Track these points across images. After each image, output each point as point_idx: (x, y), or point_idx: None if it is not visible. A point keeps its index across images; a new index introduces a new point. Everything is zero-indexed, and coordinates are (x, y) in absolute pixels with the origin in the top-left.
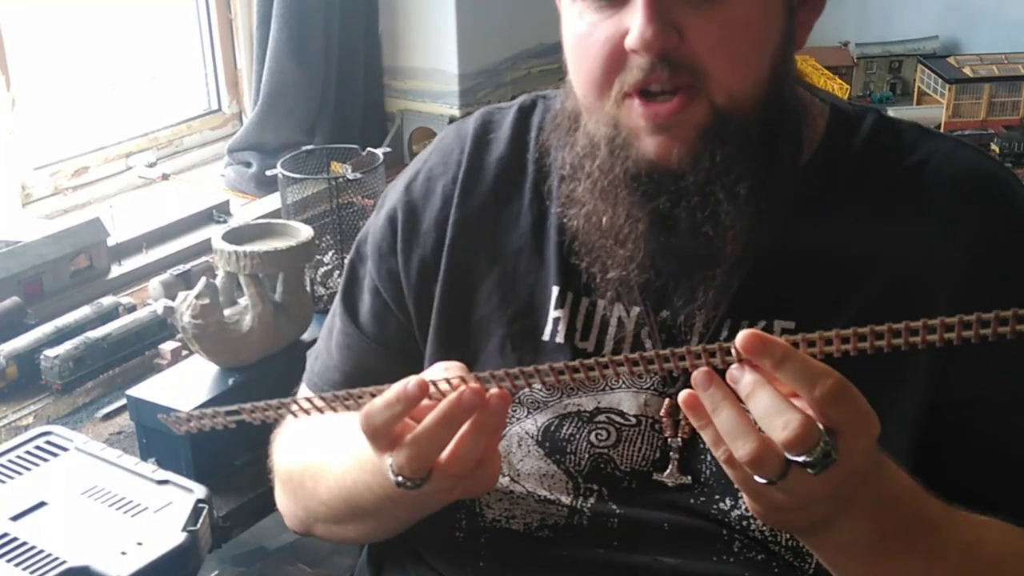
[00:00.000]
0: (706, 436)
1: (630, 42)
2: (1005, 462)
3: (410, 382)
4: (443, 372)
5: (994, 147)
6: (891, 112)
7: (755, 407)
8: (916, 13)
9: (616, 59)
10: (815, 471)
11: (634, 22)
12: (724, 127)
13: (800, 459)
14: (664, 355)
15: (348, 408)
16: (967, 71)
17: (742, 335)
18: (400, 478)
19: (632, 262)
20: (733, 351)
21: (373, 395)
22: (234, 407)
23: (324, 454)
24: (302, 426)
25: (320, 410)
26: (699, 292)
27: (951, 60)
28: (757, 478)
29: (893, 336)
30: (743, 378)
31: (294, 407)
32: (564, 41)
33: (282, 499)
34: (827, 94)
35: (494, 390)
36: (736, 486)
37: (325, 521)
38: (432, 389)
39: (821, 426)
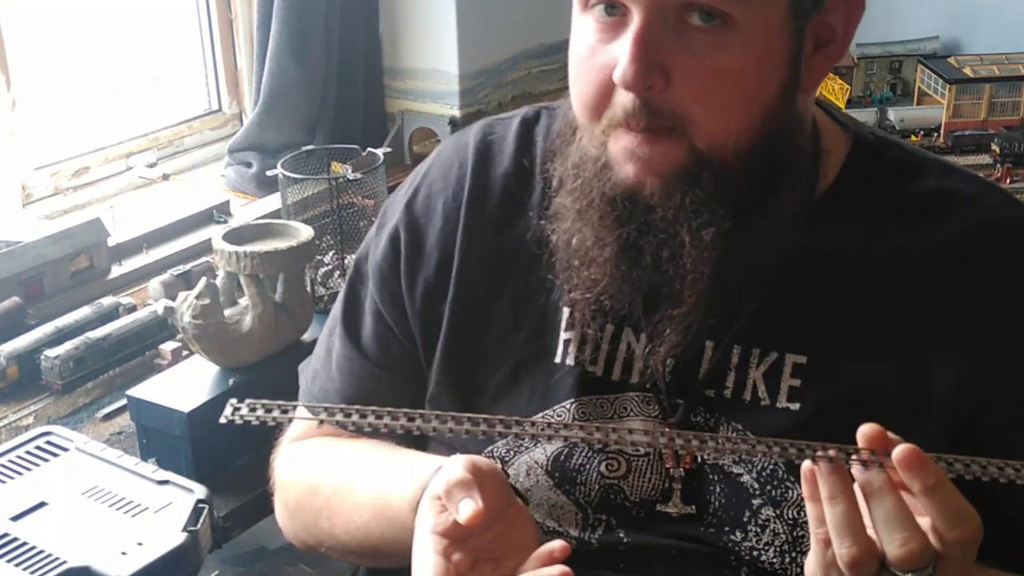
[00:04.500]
0: (809, 510)
1: (616, 76)
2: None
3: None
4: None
5: (994, 147)
6: (891, 112)
7: (878, 509)
8: (917, 13)
9: (606, 89)
10: None
11: (622, 56)
12: (700, 170)
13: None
14: (800, 446)
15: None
16: (967, 71)
17: (902, 448)
18: None
19: (596, 286)
20: (867, 454)
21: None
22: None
23: (343, 495)
24: (308, 448)
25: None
26: (663, 329)
27: (951, 60)
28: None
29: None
30: (877, 477)
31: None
32: (570, 51)
33: (286, 520)
34: (852, 121)
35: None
36: (748, 514)
37: (341, 552)
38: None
39: (935, 554)
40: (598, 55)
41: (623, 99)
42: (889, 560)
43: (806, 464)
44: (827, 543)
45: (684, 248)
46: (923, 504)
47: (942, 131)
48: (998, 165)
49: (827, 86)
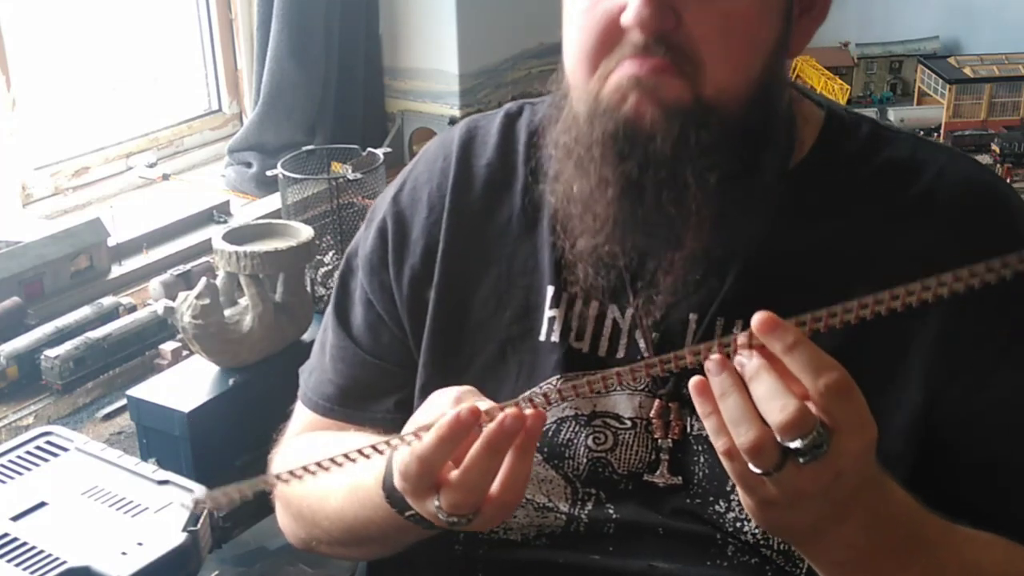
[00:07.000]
0: (709, 425)
1: (626, 19)
2: (1006, 477)
3: (461, 411)
4: (453, 395)
5: (994, 147)
6: (891, 112)
7: (757, 389)
8: (916, 13)
9: (610, 35)
10: (805, 459)
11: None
12: (706, 114)
13: (792, 444)
14: (682, 354)
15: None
16: (967, 71)
17: (758, 315)
18: (453, 518)
19: (601, 231)
20: (743, 338)
21: (403, 438)
22: (265, 477)
23: (320, 483)
24: (298, 446)
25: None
26: (660, 278)
27: (951, 60)
28: (753, 468)
29: (907, 295)
30: (749, 362)
31: (328, 464)
32: (564, 12)
33: (283, 518)
34: (825, 99)
35: (528, 411)
36: (731, 483)
37: (329, 544)
38: (484, 418)
39: (818, 418)
40: (601, 4)
41: (633, 38)
42: (775, 431)
43: (694, 379)
44: (728, 455)
45: (689, 190)
46: (789, 365)
47: (942, 131)
48: (998, 165)
49: (827, 86)
